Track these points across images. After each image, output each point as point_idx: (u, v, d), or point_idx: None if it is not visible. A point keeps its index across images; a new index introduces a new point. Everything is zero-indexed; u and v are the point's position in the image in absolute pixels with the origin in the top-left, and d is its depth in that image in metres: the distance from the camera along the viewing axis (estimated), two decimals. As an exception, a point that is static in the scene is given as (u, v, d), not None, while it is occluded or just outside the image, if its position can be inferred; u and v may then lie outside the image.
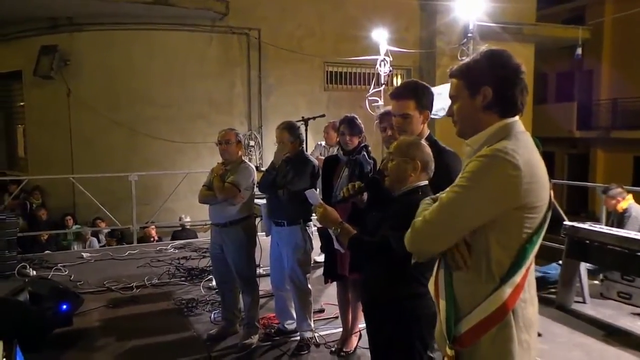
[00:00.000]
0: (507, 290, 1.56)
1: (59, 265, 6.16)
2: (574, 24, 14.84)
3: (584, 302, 4.95)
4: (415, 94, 2.63)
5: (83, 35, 10.04)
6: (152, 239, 8.66)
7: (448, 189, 1.63)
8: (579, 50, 12.29)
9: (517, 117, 1.67)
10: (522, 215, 1.55)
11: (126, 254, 6.93)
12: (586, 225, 4.92)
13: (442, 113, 5.39)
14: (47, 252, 7.50)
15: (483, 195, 1.54)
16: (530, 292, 1.64)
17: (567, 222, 5.10)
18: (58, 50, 9.79)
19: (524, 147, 1.58)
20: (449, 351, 1.64)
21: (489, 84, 1.64)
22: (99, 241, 8.84)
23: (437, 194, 1.89)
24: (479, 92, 1.66)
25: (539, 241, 1.62)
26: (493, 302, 1.57)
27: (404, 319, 2.28)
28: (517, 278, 1.58)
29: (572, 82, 17.84)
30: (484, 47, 1.73)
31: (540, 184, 1.58)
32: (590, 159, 17.32)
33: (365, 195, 2.69)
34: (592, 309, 4.83)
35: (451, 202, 1.58)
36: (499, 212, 1.54)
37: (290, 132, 3.89)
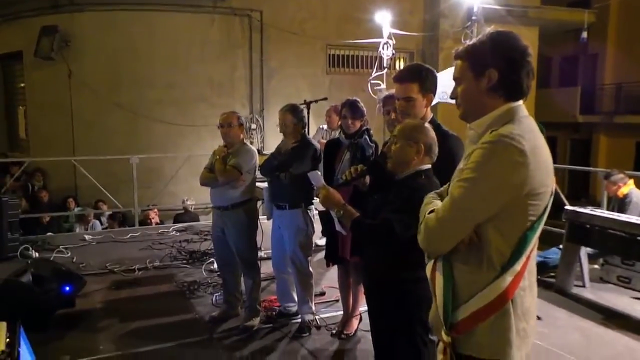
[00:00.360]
0: (508, 278, 1.55)
1: (61, 247, 6.19)
2: (579, 7, 14.66)
3: (583, 286, 4.98)
4: (419, 77, 2.61)
5: (84, 16, 9.94)
6: (149, 221, 8.64)
7: (456, 181, 1.59)
8: (585, 34, 12.16)
9: (521, 101, 1.63)
10: (526, 202, 1.53)
11: (128, 236, 6.96)
12: (587, 210, 4.93)
13: (445, 97, 5.37)
14: (49, 234, 7.53)
15: (492, 185, 1.51)
16: (529, 279, 1.62)
17: (568, 207, 5.11)
18: (59, 31, 9.70)
19: (530, 132, 1.55)
20: (445, 337, 1.63)
21: (495, 66, 1.60)
22: (101, 223, 8.86)
23: (441, 189, 1.89)
24: (484, 74, 1.62)
25: (540, 228, 1.59)
26: (493, 290, 1.55)
27: (405, 302, 2.29)
28: (518, 266, 1.56)
29: (576, 66, 17.70)
30: (489, 29, 1.68)
31: (545, 169, 1.55)
32: (593, 144, 17.27)
33: (367, 179, 2.68)
34: (592, 292, 4.86)
35: (462, 197, 1.55)
36: (509, 200, 1.51)
37: (293, 114, 3.88)
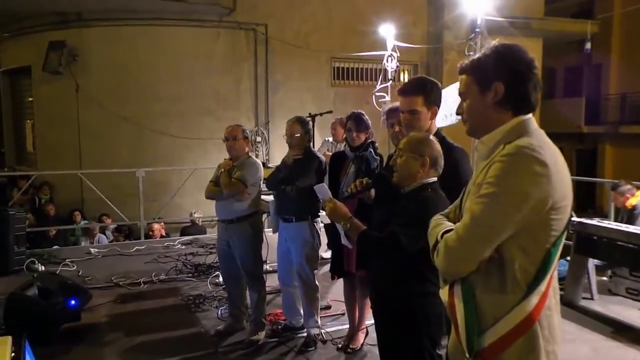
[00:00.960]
0: (534, 299, 1.47)
1: (67, 260, 6.21)
2: (582, 18, 14.69)
3: (592, 299, 4.93)
4: (424, 89, 2.62)
5: (91, 31, 10.06)
6: (152, 234, 8.61)
7: (475, 197, 1.50)
8: (588, 45, 12.18)
9: (530, 115, 1.59)
10: (549, 217, 1.45)
11: (134, 249, 6.96)
12: (594, 221, 4.89)
13: (450, 120, 5.33)
14: (55, 247, 7.56)
15: (514, 199, 1.42)
16: (555, 299, 1.55)
17: (575, 218, 5.07)
18: (66, 46, 9.83)
19: (546, 143, 1.50)
20: None
21: (501, 80, 1.56)
22: (106, 237, 8.88)
23: (447, 210, 1.82)
24: (490, 88, 1.57)
25: (562, 244, 1.51)
26: (520, 312, 1.47)
27: (412, 316, 2.28)
28: (543, 286, 1.48)
29: (581, 76, 17.71)
30: (494, 42, 1.64)
31: (565, 181, 1.49)
32: (599, 155, 17.20)
33: (372, 192, 2.68)
34: (600, 305, 4.81)
35: (483, 213, 1.46)
36: (532, 215, 1.43)
37: (302, 125, 3.90)
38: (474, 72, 1.62)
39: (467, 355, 1.53)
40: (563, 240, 1.52)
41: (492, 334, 1.49)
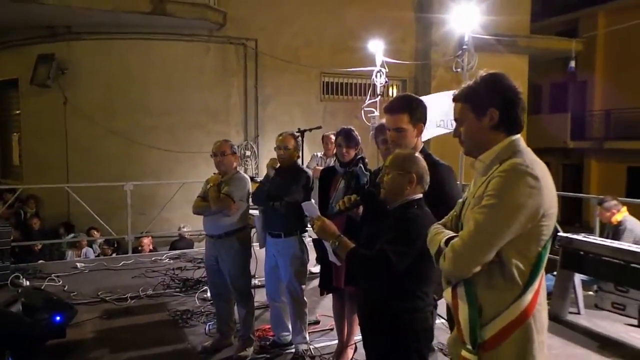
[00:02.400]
0: (529, 296, 1.68)
1: (53, 275, 6.13)
2: (567, 36, 14.99)
3: (578, 313, 4.96)
4: (409, 107, 2.66)
5: (80, 44, 10.06)
6: (141, 249, 8.55)
7: (477, 208, 1.69)
8: (572, 63, 12.43)
9: (519, 134, 1.80)
10: (540, 224, 1.66)
11: (121, 264, 6.90)
12: (580, 237, 4.94)
13: (443, 130, 5.39)
14: (40, 261, 7.46)
15: (513, 209, 1.62)
16: (543, 296, 1.75)
17: (561, 233, 5.12)
18: (55, 59, 9.81)
19: (535, 160, 1.71)
20: (469, 356, 1.72)
21: (495, 106, 1.76)
22: (93, 251, 8.79)
23: (444, 220, 1.98)
24: (486, 114, 1.78)
25: (549, 246, 1.73)
26: (517, 307, 1.67)
27: (401, 332, 2.28)
28: (536, 284, 1.70)
29: (566, 93, 17.99)
30: (481, 72, 1.83)
31: (552, 192, 1.70)
32: (584, 169, 17.43)
33: (360, 209, 2.70)
34: (587, 319, 4.85)
35: (486, 222, 1.65)
36: (527, 222, 1.63)
37: (294, 139, 3.95)
38: (469, 100, 1.83)
39: (471, 347, 1.72)
40: (550, 243, 1.74)
41: (492, 328, 1.69)
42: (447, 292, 1.82)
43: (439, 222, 1.98)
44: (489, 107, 1.77)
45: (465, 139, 1.85)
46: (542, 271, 1.71)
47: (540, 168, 1.68)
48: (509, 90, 1.78)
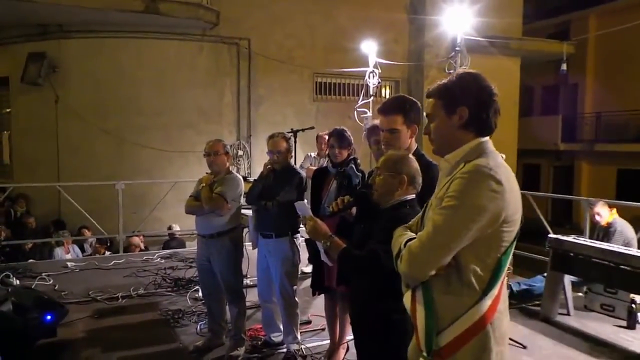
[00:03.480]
0: (487, 302, 1.63)
1: (43, 274, 6.09)
2: (559, 38, 15.10)
3: (568, 314, 5.01)
4: (403, 109, 2.67)
5: (72, 43, 9.99)
6: (134, 248, 8.51)
7: (438, 209, 1.65)
8: (564, 66, 12.53)
9: (488, 137, 1.75)
10: (501, 229, 1.61)
11: (112, 263, 6.87)
12: (570, 238, 4.98)
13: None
14: (31, 261, 7.40)
15: (473, 212, 1.58)
16: (504, 304, 1.70)
17: (551, 235, 5.17)
18: (46, 57, 9.72)
19: (501, 164, 1.66)
20: None
21: (465, 105, 1.72)
22: (83, 250, 8.72)
23: (410, 222, 1.96)
24: (456, 112, 1.73)
25: (511, 253, 1.68)
26: (474, 313, 1.62)
27: (392, 333, 2.29)
28: (495, 290, 1.64)
29: (557, 95, 18.14)
30: (460, 69, 1.81)
31: (516, 197, 1.65)
32: (575, 171, 17.57)
33: (354, 210, 2.70)
34: (576, 321, 4.89)
35: (445, 224, 1.60)
36: (487, 226, 1.59)
37: (286, 141, 3.93)
38: (442, 97, 1.78)
39: (426, 354, 1.67)
40: (512, 249, 1.68)
41: (448, 334, 1.64)
42: (407, 297, 1.77)
43: (405, 224, 1.95)
44: (459, 105, 1.72)
45: (434, 136, 1.80)
46: (503, 277, 1.66)
47: (505, 172, 1.63)
48: (483, 90, 1.73)
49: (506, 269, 1.67)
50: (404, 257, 1.68)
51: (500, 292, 1.66)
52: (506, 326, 1.70)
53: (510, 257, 1.68)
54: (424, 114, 1.90)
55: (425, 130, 1.85)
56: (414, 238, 1.70)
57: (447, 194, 1.63)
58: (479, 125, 1.73)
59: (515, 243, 1.68)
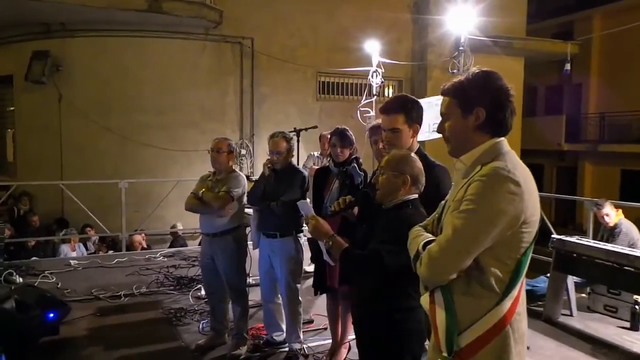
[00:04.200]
0: (507, 304, 1.62)
1: (47, 272, 6.10)
2: (563, 38, 15.06)
3: (571, 315, 4.99)
4: (405, 108, 2.66)
5: (76, 41, 10.00)
6: (135, 245, 8.50)
7: (456, 212, 1.63)
8: (568, 66, 12.47)
9: (504, 137, 1.72)
10: (520, 231, 1.60)
11: (114, 261, 6.88)
12: (573, 239, 4.97)
13: (432, 135, 5.43)
14: (34, 258, 7.43)
15: (492, 215, 1.56)
16: (523, 305, 1.69)
17: (554, 235, 5.15)
18: (50, 56, 9.75)
19: (518, 165, 1.64)
20: None
21: (482, 105, 1.69)
22: (87, 248, 8.74)
23: (425, 222, 1.93)
24: (472, 112, 1.70)
25: (531, 254, 1.66)
26: (494, 315, 1.61)
27: (394, 332, 2.29)
28: (515, 291, 1.63)
29: (561, 95, 18.08)
30: (474, 68, 1.75)
31: (534, 198, 1.64)
32: (579, 172, 17.51)
33: (355, 210, 2.70)
34: (579, 322, 4.88)
35: (464, 227, 1.59)
36: (506, 229, 1.57)
37: (287, 141, 3.91)
38: (457, 95, 1.74)
39: (447, 355, 1.65)
40: (532, 250, 1.66)
41: (469, 335, 1.62)
42: (425, 298, 1.75)
43: (420, 224, 1.93)
44: (476, 105, 1.69)
45: (449, 136, 1.78)
46: (522, 279, 1.65)
47: (523, 173, 1.61)
48: (500, 90, 1.70)
49: (525, 270, 1.66)
50: (423, 261, 1.66)
51: (519, 293, 1.65)
52: (525, 326, 1.69)
53: (529, 257, 1.66)
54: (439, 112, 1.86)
55: (439, 128, 1.83)
56: (433, 240, 1.69)
57: (465, 197, 1.62)
58: (495, 126, 1.70)
59: (533, 244, 1.66)
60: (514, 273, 1.62)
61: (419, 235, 1.80)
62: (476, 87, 1.70)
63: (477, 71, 1.74)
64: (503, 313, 1.61)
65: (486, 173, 1.60)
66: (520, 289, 1.65)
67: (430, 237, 1.75)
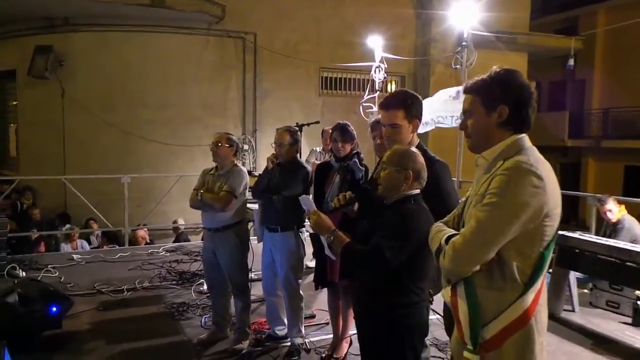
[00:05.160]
0: (530, 296, 1.65)
1: (49, 266, 6.14)
2: (567, 34, 14.98)
3: (573, 311, 4.99)
4: (404, 103, 2.65)
5: (79, 36, 10.00)
6: (141, 240, 8.52)
7: (480, 206, 1.66)
8: (571, 61, 12.42)
9: (525, 134, 1.76)
10: (543, 224, 1.63)
11: (117, 256, 6.90)
12: (576, 235, 4.97)
13: (431, 127, 5.44)
14: (37, 253, 7.45)
15: (516, 208, 1.59)
16: (544, 297, 1.73)
17: (557, 231, 5.13)
18: (53, 51, 9.74)
19: (540, 160, 1.68)
20: (471, 356, 1.69)
21: (506, 103, 1.73)
22: (89, 243, 8.77)
23: (446, 218, 1.95)
24: (496, 109, 1.75)
25: (553, 247, 1.70)
26: (518, 307, 1.64)
27: (395, 327, 2.29)
28: (538, 284, 1.67)
29: (565, 91, 18.00)
30: (496, 67, 1.79)
31: (557, 192, 1.67)
32: (582, 168, 17.46)
33: (356, 206, 2.69)
34: (581, 317, 4.87)
35: (488, 220, 1.62)
36: (529, 222, 1.60)
37: (291, 135, 3.91)
38: (480, 93, 1.78)
39: (472, 347, 1.69)
40: (554, 244, 1.71)
41: (493, 327, 1.66)
42: (446, 291, 1.79)
43: (442, 220, 1.95)
44: (499, 103, 1.73)
45: (471, 133, 1.82)
46: (545, 272, 1.68)
47: (544, 167, 1.65)
48: (523, 88, 1.75)
49: (548, 263, 1.68)
50: (447, 254, 1.68)
51: (542, 285, 1.69)
52: (545, 317, 1.72)
53: (552, 250, 1.69)
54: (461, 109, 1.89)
55: (461, 125, 1.86)
56: (456, 234, 1.71)
57: (489, 191, 1.65)
58: (517, 122, 1.74)
59: (555, 238, 1.69)
60: (537, 266, 1.64)
61: (440, 231, 1.83)
62: (500, 85, 1.75)
63: (498, 69, 1.78)
64: (527, 305, 1.64)
65: (509, 167, 1.64)
66: (542, 281, 1.68)
67: (452, 231, 1.78)
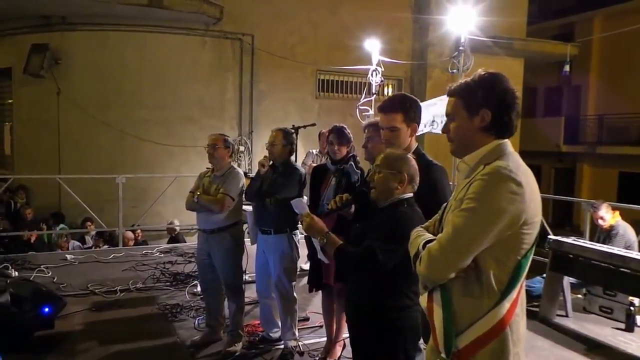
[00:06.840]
0: (506, 305, 1.61)
1: (42, 266, 6.10)
2: (563, 40, 15.05)
3: (566, 316, 5.01)
4: (403, 107, 2.65)
5: (75, 35, 9.97)
6: (127, 241, 8.46)
7: (457, 211, 1.62)
8: (567, 67, 12.47)
9: (508, 139, 1.73)
10: (521, 232, 1.59)
11: (111, 256, 6.87)
12: (570, 240, 4.98)
13: (429, 129, 5.46)
14: (30, 252, 7.41)
15: (492, 214, 1.55)
16: (522, 306, 1.68)
17: (551, 236, 5.16)
18: (49, 49, 9.71)
19: (520, 166, 1.64)
20: None
21: (488, 107, 1.69)
22: (84, 242, 8.72)
23: (427, 223, 1.93)
24: (478, 113, 1.70)
25: (532, 255, 1.65)
26: (493, 316, 1.60)
27: (388, 331, 2.29)
28: (514, 293, 1.62)
29: (560, 97, 18.08)
30: (480, 70, 1.75)
31: (536, 200, 1.63)
32: (577, 174, 17.54)
33: (352, 208, 2.69)
34: (575, 322, 4.89)
35: (464, 226, 1.58)
36: (507, 229, 1.56)
37: (285, 136, 3.91)
38: (463, 96, 1.74)
39: (445, 356, 1.65)
40: (532, 252, 1.65)
41: (467, 336, 1.62)
42: (423, 297, 1.75)
43: (422, 225, 1.93)
44: (482, 107, 1.69)
45: (453, 137, 1.77)
46: (522, 280, 1.64)
47: (525, 174, 1.61)
48: (506, 93, 1.70)
49: (525, 272, 1.65)
50: (423, 260, 1.65)
51: (519, 295, 1.65)
52: (523, 328, 1.68)
53: (530, 259, 1.65)
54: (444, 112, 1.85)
55: (444, 129, 1.82)
56: (433, 240, 1.68)
57: (466, 196, 1.61)
58: (500, 127, 1.70)
59: (534, 246, 1.65)
60: (513, 275, 1.61)
61: (419, 236, 1.79)
62: (482, 89, 1.70)
63: (483, 73, 1.73)
64: (502, 314, 1.60)
65: (488, 172, 1.60)
66: (519, 291, 1.64)
67: (430, 236, 1.74)
